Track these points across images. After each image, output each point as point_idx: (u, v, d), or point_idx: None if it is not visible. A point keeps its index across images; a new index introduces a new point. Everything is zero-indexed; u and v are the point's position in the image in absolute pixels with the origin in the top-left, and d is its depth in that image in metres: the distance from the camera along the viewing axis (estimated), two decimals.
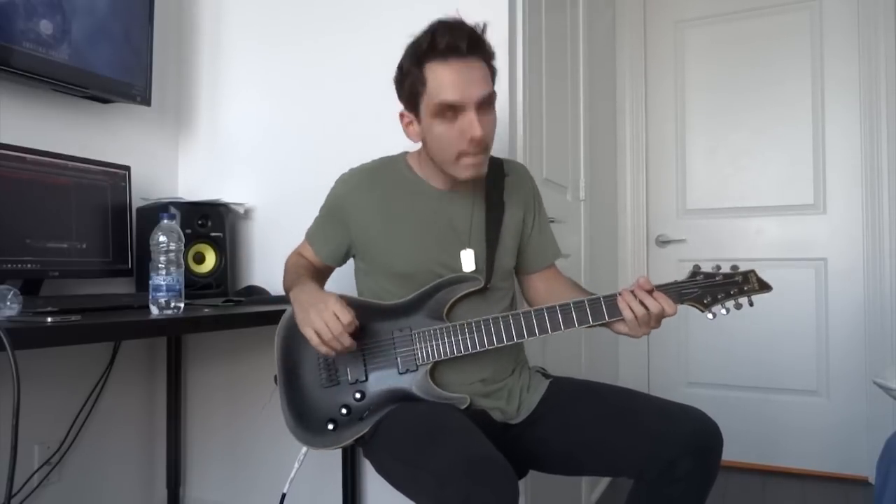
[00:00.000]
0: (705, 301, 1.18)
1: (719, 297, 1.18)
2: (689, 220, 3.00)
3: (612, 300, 1.17)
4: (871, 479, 2.51)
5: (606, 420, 1.19)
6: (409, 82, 1.19)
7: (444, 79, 1.15)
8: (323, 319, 1.13)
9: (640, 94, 3.08)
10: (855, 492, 2.54)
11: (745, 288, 1.18)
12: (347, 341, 1.14)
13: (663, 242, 3.04)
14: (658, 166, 3.07)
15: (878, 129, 2.65)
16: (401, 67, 1.22)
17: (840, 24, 2.74)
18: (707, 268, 1.21)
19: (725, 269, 1.20)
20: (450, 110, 1.15)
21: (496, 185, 1.33)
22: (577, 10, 2.33)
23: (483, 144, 1.18)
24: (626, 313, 1.14)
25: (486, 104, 1.18)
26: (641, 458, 1.13)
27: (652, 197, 3.08)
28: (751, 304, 1.19)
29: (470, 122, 1.15)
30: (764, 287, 1.18)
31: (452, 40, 1.13)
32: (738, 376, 2.86)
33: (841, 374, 2.70)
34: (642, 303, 1.14)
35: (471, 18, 1.39)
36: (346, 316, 1.13)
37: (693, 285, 1.18)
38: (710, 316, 1.18)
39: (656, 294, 1.15)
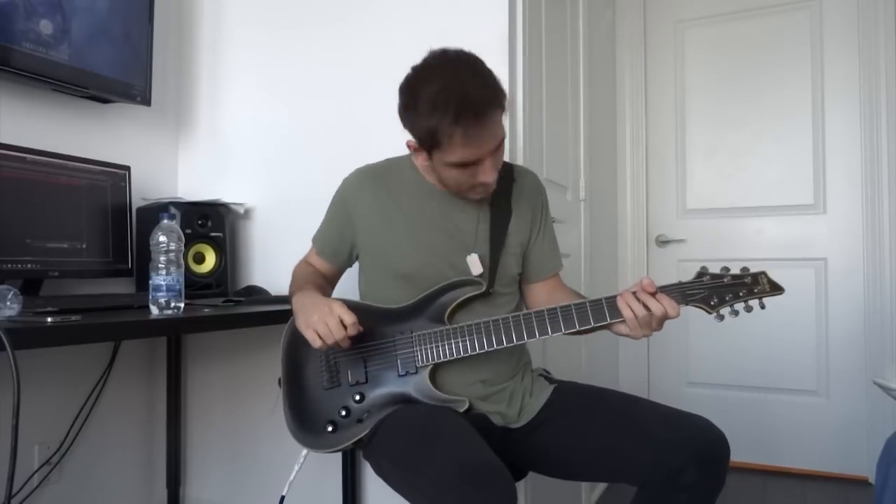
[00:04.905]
0: (712, 302, 1.14)
1: (727, 298, 1.14)
2: (689, 220, 3.00)
3: (612, 301, 1.15)
4: (871, 479, 2.51)
5: (610, 427, 1.18)
6: (421, 132, 1.14)
7: (459, 141, 1.11)
8: (325, 322, 1.12)
9: (640, 94, 3.08)
10: (855, 492, 2.54)
11: (756, 290, 1.14)
12: (346, 342, 1.14)
13: (663, 242, 3.03)
14: (658, 166, 3.07)
15: (878, 129, 2.65)
16: (410, 108, 1.15)
17: (840, 24, 2.74)
18: (715, 269, 1.17)
19: (735, 270, 1.16)
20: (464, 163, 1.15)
21: (504, 189, 1.32)
22: (577, 9, 2.33)
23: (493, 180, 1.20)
24: (626, 312, 1.12)
25: (499, 146, 1.17)
26: (645, 466, 1.12)
27: (652, 197, 3.08)
28: (762, 307, 1.14)
29: (483, 170, 1.17)
30: (776, 289, 1.15)
31: (469, 103, 1.08)
32: (738, 376, 2.86)
33: (841, 374, 2.70)
34: (644, 304, 1.11)
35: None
36: (349, 317, 1.13)
37: (699, 286, 1.15)
38: (717, 318, 1.15)
39: (659, 295, 1.12)
